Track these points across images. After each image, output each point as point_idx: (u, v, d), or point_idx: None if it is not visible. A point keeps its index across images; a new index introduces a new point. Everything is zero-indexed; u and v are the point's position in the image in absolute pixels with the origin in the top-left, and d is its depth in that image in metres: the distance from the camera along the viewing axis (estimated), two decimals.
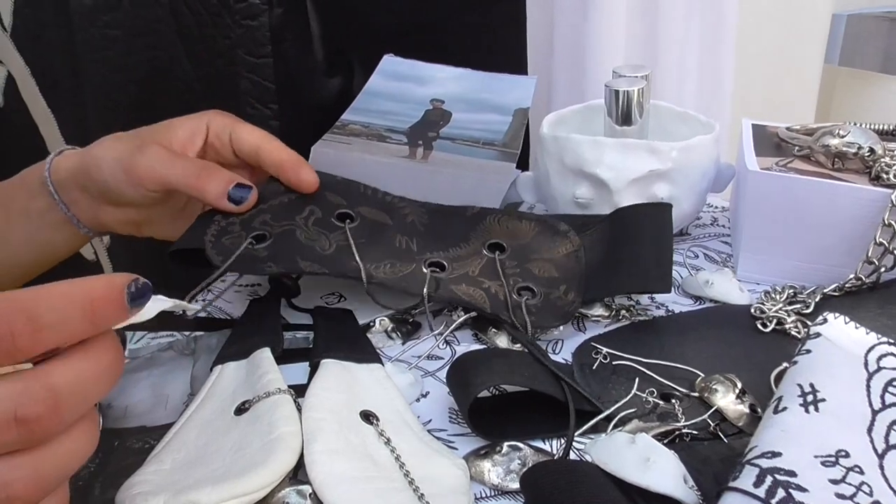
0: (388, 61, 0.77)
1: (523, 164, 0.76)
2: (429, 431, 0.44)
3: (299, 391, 0.42)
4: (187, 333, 0.53)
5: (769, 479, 0.31)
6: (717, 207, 0.75)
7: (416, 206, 0.59)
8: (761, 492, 0.30)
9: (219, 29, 0.75)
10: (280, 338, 0.49)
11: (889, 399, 0.35)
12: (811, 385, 0.36)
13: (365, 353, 0.48)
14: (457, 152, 0.65)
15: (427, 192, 0.64)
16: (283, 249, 0.53)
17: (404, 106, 0.72)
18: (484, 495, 0.40)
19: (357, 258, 0.53)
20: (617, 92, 0.65)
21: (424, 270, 0.54)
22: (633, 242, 0.53)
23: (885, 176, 0.52)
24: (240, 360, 0.46)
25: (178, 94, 0.79)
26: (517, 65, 0.90)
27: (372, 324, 0.54)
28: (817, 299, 0.53)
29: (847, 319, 0.40)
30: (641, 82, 0.65)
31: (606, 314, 0.55)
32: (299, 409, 0.42)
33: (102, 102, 0.80)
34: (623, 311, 0.55)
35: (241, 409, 0.41)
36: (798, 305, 0.53)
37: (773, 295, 0.55)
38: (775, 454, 0.32)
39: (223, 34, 0.75)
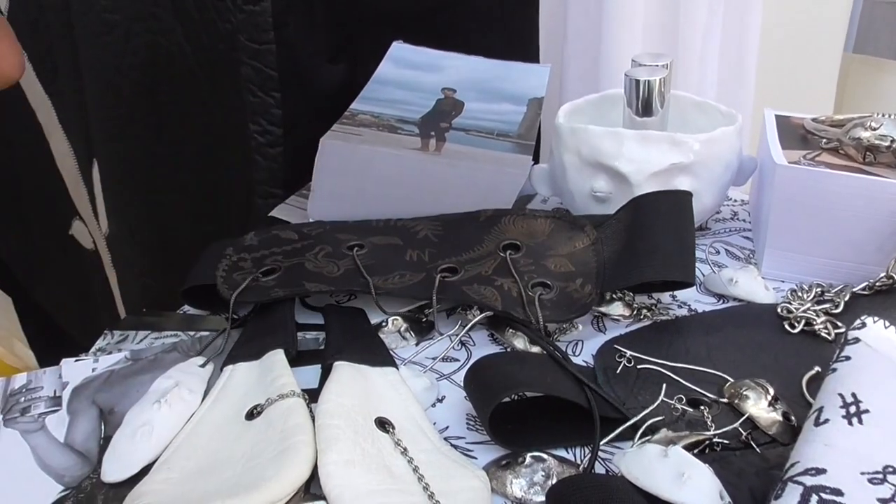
0: (398, 48, 0.75)
1: (535, 155, 0.74)
2: (446, 439, 0.43)
3: (311, 395, 0.41)
4: (192, 333, 0.51)
5: (814, 499, 0.29)
6: (736, 201, 0.73)
7: (429, 221, 0.58)
8: None
9: (220, 13, 0.73)
10: (294, 339, 0.48)
11: None
12: (853, 395, 0.34)
13: (379, 354, 0.47)
14: (471, 144, 0.63)
15: (441, 185, 0.62)
16: (291, 277, 0.53)
17: (415, 95, 0.70)
18: None
19: (365, 275, 0.53)
20: (637, 81, 0.62)
21: (435, 276, 0.52)
22: (653, 231, 0.51)
23: None
24: (252, 361, 0.44)
25: (179, 80, 0.77)
26: (528, 52, 0.87)
27: (384, 323, 0.52)
28: (846, 298, 0.51)
29: (887, 324, 0.38)
30: (663, 71, 0.63)
31: (627, 314, 0.53)
32: (312, 415, 0.40)
33: (102, 88, 0.78)
34: (644, 311, 0.53)
35: (252, 414, 0.39)
36: (827, 305, 0.51)
37: (799, 294, 0.53)
38: (819, 471, 0.31)
39: (224, 18, 0.72)
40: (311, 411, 0.41)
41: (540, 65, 0.79)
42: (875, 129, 0.53)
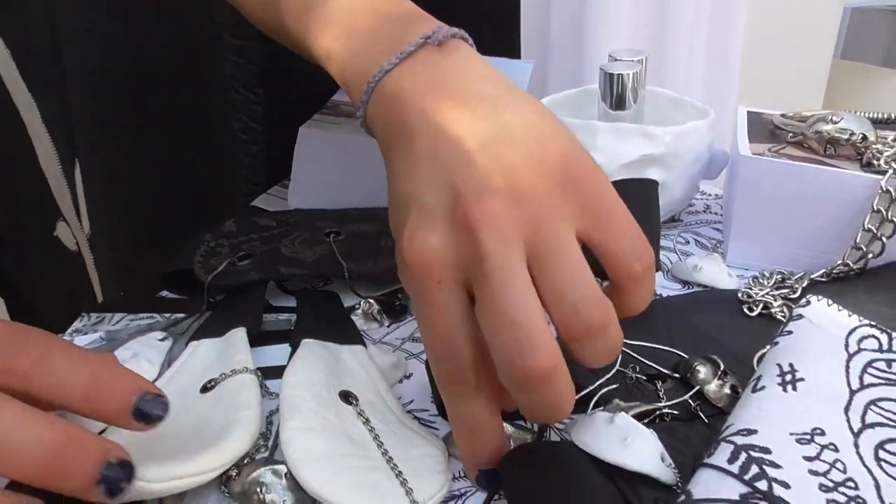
0: None
1: None
2: (410, 412, 0.44)
3: (279, 372, 0.42)
4: (167, 315, 0.52)
5: (743, 456, 0.31)
6: (710, 195, 0.75)
7: None
8: (735, 468, 0.30)
9: (204, 10, 0.74)
10: (259, 319, 0.49)
11: (868, 380, 0.35)
12: (790, 365, 0.36)
13: (347, 334, 0.48)
14: None
15: None
16: (267, 262, 0.54)
17: None
18: (462, 475, 0.40)
19: (340, 260, 0.54)
20: (611, 75, 0.64)
21: None
22: None
23: (875, 162, 0.52)
24: (215, 339, 0.46)
25: (163, 79, 0.78)
26: (510, 48, 0.89)
27: (357, 306, 0.54)
28: (804, 284, 0.53)
29: (830, 302, 0.40)
30: (637, 66, 0.65)
31: None
32: (267, 392, 0.42)
33: (85, 87, 0.79)
34: None
35: (206, 388, 0.41)
36: (785, 290, 0.53)
37: (760, 280, 0.55)
38: (751, 431, 0.32)
39: (208, 16, 0.74)
40: (267, 388, 0.43)
41: (523, 61, 0.81)
42: (836, 123, 0.54)
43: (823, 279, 0.53)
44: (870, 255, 0.51)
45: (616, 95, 0.65)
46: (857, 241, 0.51)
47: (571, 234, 0.33)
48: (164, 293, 0.57)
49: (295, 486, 0.35)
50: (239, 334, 0.45)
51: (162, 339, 0.47)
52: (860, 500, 0.30)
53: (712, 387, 0.43)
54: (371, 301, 0.54)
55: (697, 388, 0.43)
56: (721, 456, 0.31)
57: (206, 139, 0.81)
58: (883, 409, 0.34)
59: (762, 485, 0.29)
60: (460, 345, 0.33)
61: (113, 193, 0.86)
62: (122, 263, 0.89)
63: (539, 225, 0.32)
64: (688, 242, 0.64)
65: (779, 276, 0.55)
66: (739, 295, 0.53)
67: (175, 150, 0.82)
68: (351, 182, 0.64)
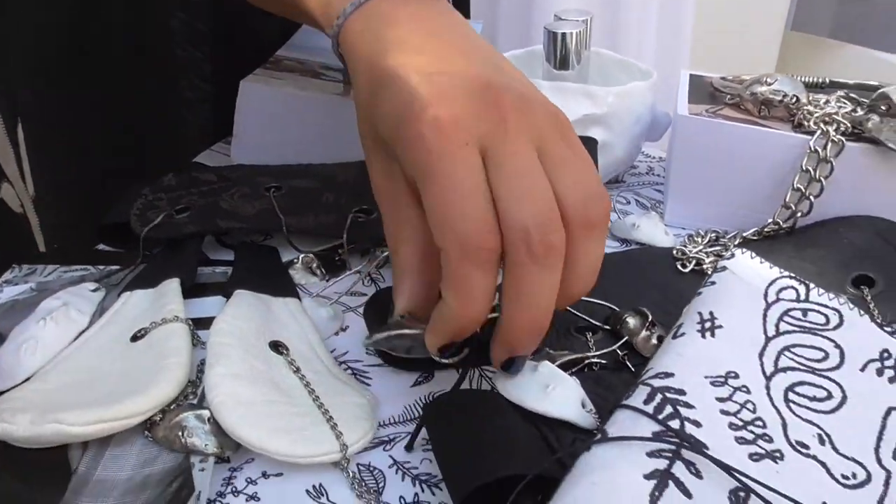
0: None
1: None
2: (345, 363, 0.44)
3: (210, 324, 0.42)
4: (101, 267, 0.52)
5: (659, 397, 0.32)
6: (654, 157, 0.76)
7: (351, 166, 0.60)
8: (650, 408, 0.31)
9: None
10: (193, 270, 0.49)
11: (783, 327, 0.36)
12: (710, 313, 0.37)
13: (282, 286, 0.48)
14: None
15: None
16: (205, 215, 0.54)
17: None
18: (392, 421, 0.40)
19: (279, 214, 0.54)
20: (555, 34, 0.64)
21: (349, 216, 0.54)
22: None
23: (806, 123, 0.53)
24: (147, 289, 0.45)
25: (107, 36, 0.76)
26: (459, 8, 0.88)
27: (295, 260, 0.54)
28: (736, 243, 0.54)
29: (753, 255, 0.41)
30: (581, 26, 0.65)
31: None
32: (199, 342, 0.41)
33: (25, 43, 0.77)
34: None
35: (136, 337, 0.41)
36: (718, 248, 0.54)
37: (695, 238, 0.56)
38: (668, 375, 0.33)
39: None
40: (199, 338, 0.43)
41: (472, 21, 0.81)
42: (770, 85, 0.55)
43: (755, 237, 0.54)
44: (799, 214, 0.53)
45: (560, 55, 0.65)
46: (787, 200, 0.52)
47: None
48: (101, 246, 0.56)
49: (218, 430, 0.35)
50: (172, 285, 0.45)
51: (94, 290, 0.46)
52: (767, 437, 0.31)
53: (640, 337, 0.44)
54: (310, 255, 0.54)
55: (626, 338, 0.44)
56: (638, 398, 0.32)
57: (151, 98, 0.79)
58: (796, 354, 0.35)
59: (675, 423, 0.30)
60: (488, 206, 0.32)
61: (57, 153, 0.84)
62: (67, 224, 0.88)
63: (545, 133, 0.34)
64: (629, 202, 0.65)
65: (713, 235, 0.56)
66: (674, 252, 0.54)
67: (120, 108, 0.80)
68: (294, 137, 0.63)
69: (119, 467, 0.35)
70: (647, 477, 0.28)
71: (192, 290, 0.47)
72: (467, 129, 0.33)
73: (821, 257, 0.49)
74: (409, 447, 0.38)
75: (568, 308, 0.47)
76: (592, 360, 0.42)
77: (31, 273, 0.51)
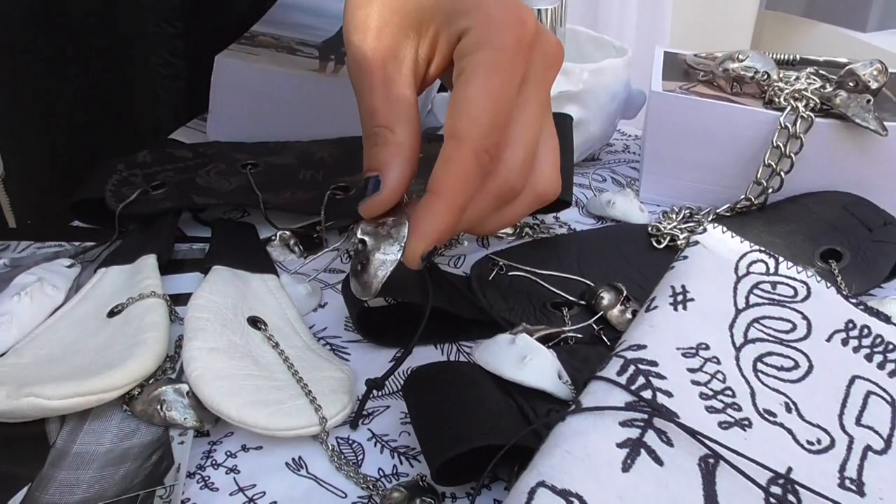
0: None
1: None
2: (323, 338, 0.45)
3: (188, 300, 0.42)
4: (76, 244, 0.51)
5: (631, 368, 0.32)
6: (630, 136, 0.77)
7: (327, 143, 0.60)
8: (623, 379, 0.32)
9: None
10: (170, 246, 0.49)
11: (753, 300, 0.37)
12: (682, 286, 0.37)
13: (260, 263, 0.48)
14: None
15: (338, 108, 0.63)
16: (181, 191, 0.54)
17: (320, 20, 0.70)
18: (371, 395, 0.40)
19: (256, 190, 0.54)
20: None
21: (326, 193, 0.54)
22: None
23: (777, 99, 0.53)
24: (124, 265, 0.45)
25: (75, 9, 0.74)
26: None
27: (273, 237, 0.54)
28: (710, 219, 0.55)
29: (724, 229, 0.41)
30: (556, 2, 0.65)
31: (510, 231, 0.56)
32: (177, 317, 0.41)
33: None
34: (527, 229, 0.56)
35: (113, 312, 0.41)
36: (692, 224, 0.55)
37: (670, 215, 0.56)
38: (640, 347, 0.34)
39: None
40: (177, 314, 0.43)
41: None
42: (742, 62, 0.56)
43: (728, 213, 0.55)
44: (770, 190, 0.53)
45: None
46: (759, 176, 0.53)
47: None
48: (76, 223, 0.56)
49: (197, 404, 0.35)
50: (148, 261, 0.45)
51: (69, 266, 0.46)
52: (736, 406, 0.32)
53: (615, 312, 0.44)
54: (288, 232, 0.54)
55: (601, 313, 0.44)
56: (611, 369, 0.33)
57: (123, 75, 0.78)
58: (765, 326, 0.36)
59: (647, 393, 0.31)
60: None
61: (28, 131, 0.83)
62: (39, 203, 0.86)
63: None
64: (604, 180, 0.66)
65: (687, 212, 0.57)
66: (649, 229, 0.55)
67: (92, 85, 0.79)
68: (270, 114, 0.63)
69: (98, 441, 0.35)
70: (620, 445, 0.29)
71: (168, 267, 0.47)
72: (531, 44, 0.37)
73: (790, 232, 0.50)
74: (354, 425, 0.38)
75: (544, 284, 0.48)
76: (568, 334, 0.43)
77: (5, 249, 0.51)
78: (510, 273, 0.49)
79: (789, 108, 0.51)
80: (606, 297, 0.45)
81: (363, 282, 0.38)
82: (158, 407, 0.35)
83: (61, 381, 0.34)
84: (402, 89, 0.39)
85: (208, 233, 0.54)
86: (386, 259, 0.38)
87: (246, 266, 0.46)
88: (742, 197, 0.55)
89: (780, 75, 0.55)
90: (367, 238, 0.39)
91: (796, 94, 0.52)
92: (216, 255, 0.46)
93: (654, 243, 0.53)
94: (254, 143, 0.61)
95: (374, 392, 0.40)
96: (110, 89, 0.79)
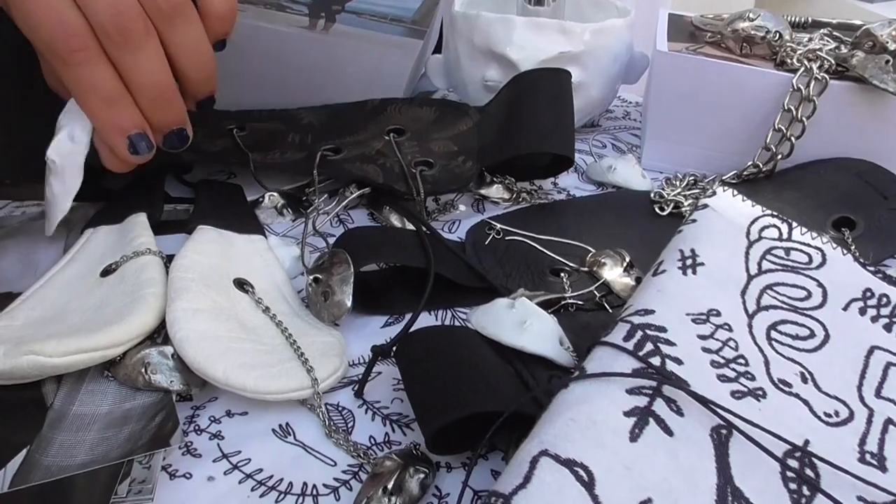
0: None
1: (437, 49, 0.73)
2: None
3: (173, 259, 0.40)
4: None
5: (639, 334, 0.31)
6: (630, 102, 0.74)
7: (315, 109, 0.58)
8: (630, 345, 0.30)
9: None
10: (159, 205, 0.47)
11: (766, 266, 0.35)
12: (692, 250, 0.35)
13: (246, 224, 0.46)
14: (361, 27, 0.62)
15: (327, 67, 0.61)
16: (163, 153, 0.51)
17: None
18: (362, 361, 0.39)
19: (244, 149, 0.52)
20: None
21: (316, 154, 0.52)
22: (532, 107, 0.51)
23: (789, 61, 0.51)
24: (113, 225, 0.43)
25: None
26: None
27: (261, 199, 0.52)
28: (715, 186, 0.53)
29: (735, 192, 0.40)
30: None
31: (507, 196, 0.54)
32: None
33: None
34: (524, 195, 0.54)
35: (107, 271, 0.39)
36: (696, 191, 0.53)
37: (673, 182, 0.54)
38: (648, 311, 0.32)
39: None
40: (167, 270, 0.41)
41: None
42: (752, 21, 0.54)
43: (734, 181, 0.53)
44: (779, 157, 0.51)
45: None
46: (768, 141, 0.51)
47: None
48: None
49: (183, 367, 0.34)
50: (139, 219, 0.42)
51: None
52: (749, 375, 0.30)
53: (617, 279, 0.43)
54: (275, 195, 0.52)
55: (603, 279, 0.42)
56: (617, 334, 0.31)
57: None
58: (778, 293, 0.34)
59: (655, 360, 0.29)
60: (70, 11, 0.35)
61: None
62: (12, 165, 0.84)
63: None
64: (605, 146, 0.63)
65: (691, 179, 0.55)
66: (652, 195, 0.53)
67: None
68: (256, 72, 0.60)
69: (97, 402, 0.33)
70: (627, 414, 0.27)
71: (153, 228, 0.45)
72: None
73: (800, 199, 0.48)
74: (358, 392, 0.36)
75: (542, 249, 0.46)
76: (569, 301, 0.41)
77: None
78: (507, 238, 0.47)
79: (802, 69, 0.49)
80: (608, 263, 0.43)
81: (337, 302, 0.39)
82: (143, 370, 0.33)
83: (62, 337, 0.32)
84: None
85: (193, 193, 0.52)
86: (344, 276, 0.39)
87: (232, 226, 0.44)
88: (749, 163, 0.53)
89: (793, 36, 0.53)
90: (317, 275, 0.41)
91: (810, 55, 0.50)
92: (201, 215, 0.44)
93: (658, 210, 0.51)
94: (238, 111, 0.58)
95: (364, 359, 0.39)
96: None
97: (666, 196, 0.52)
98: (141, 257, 0.39)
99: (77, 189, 0.41)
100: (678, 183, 0.54)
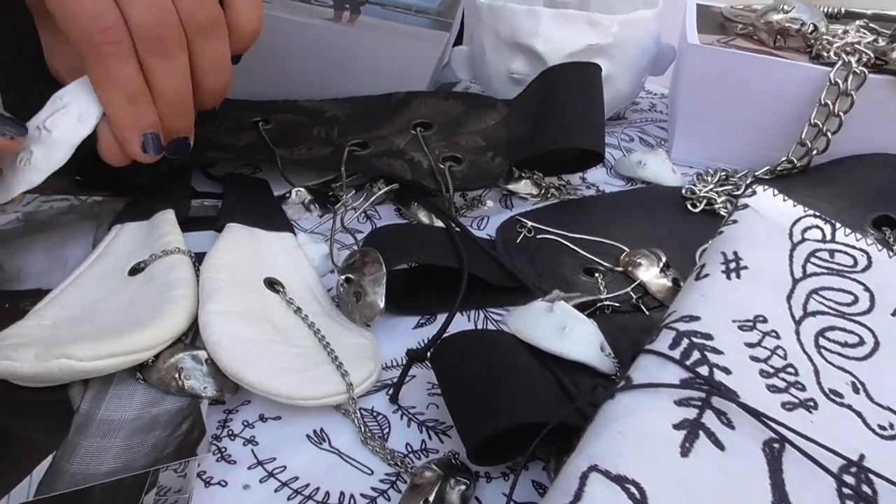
0: None
1: (458, 41, 0.72)
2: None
3: (203, 259, 0.39)
4: (83, 197, 0.49)
5: (685, 342, 0.30)
6: (656, 94, 0.73)
7: (339, 102, 0.57)
8: (676, 353, 0.29)
9: None
10: (187, 202, 0.46)
11: (810, 269, 0.34)
12: (735, 253, 0.35)
13: (275, 220, 0.45)
14: (386, 18, 0.61)
15: (352, 59, 0.60)
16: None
17: None
18: (394, 364, 0.38)
19: (271, 145, 0.51)
20: None
21: (344, 149, 0.51)
22: (561, 101, 0.50)
23: (825, 54, 0.50)
24: (141, 221, 0.43)
25: None
26: None
27: (288, 195, 0.51)
28: (748, 182, 0.52)
29: (776, 192, 0.39)
30: None
31: (535, 192, 0.53)
32: (199, 273, 0.39)
33: None
34: (552, 190, 0.53)
35: (135, 270, 0.38)
36: (729, 187, 0.52)
37: (704, 177, 0.54)
38: (693, 318, 0.31)
39: None
40: (196, 269, 0.40)
41: None
42: (787, 13, 0.53)
43: (767, 176, 0.52)
44: (814, 152, 0.50)
45: None
46: (803, 136, 0.50)
47: None
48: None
49: (216, 372, 0.33)
50: (167, 216, 0.42)
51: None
52: (800, 386, 0.29)
53: (654, 279, 0.42)
54: (302, 190, 0.51)
55: (639, 280, 0.42)
56: (663, 342, 0.30)
57: None
58: (824, 297, 0.33)
59: (703, 370, 0.29)
60: (109, 5, 0.35)
61: (23, 86, 0.80)
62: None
63: None
64: (632, 140, 0.62)
65: (723, 174, 0.54)
66: (683, 191, 0.52)
67: None
68: (280, 65, 0.59)
69: (124, 407, 0.33)
70: (677, 427, 0.27)
71: (180, 224, 0.44)
72: None
73: (837, 196, 0.47)
74: (393, 398, 0.36)
75: (575, 248, 0.45)
76: (605, 302, 0.40)
77: (9, 202, 0.48)
78: (538, 236, 0.46)
79: (840, 62, 0.48)
80: (644, 263, 0.42)
81: (369, 303, 0.39)
82: (176, 375, 0.33)
83: (93, 339, 0.31)
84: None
85: (219, 188, 0.51)
86: (376, 277, 0.39)
87: (261, 224, 0.44)
88: (783, 159, 0.52)
89: (828, 28, 0.51)
90: (348, 275, 0.40)
91: (848, 48, 0.48)
92: (230, 212, 0.44)
93: (690, 207, 0.51)
94: (261, 101, 0.58)
95: (397, 361, 0.38)
96: None
97: (698, 192, 0.51)
98: (169, 256, 0.38)
99: (57, 168, 0.39)
100: (709, 179, 0.53)
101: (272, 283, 0.39)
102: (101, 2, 0.35)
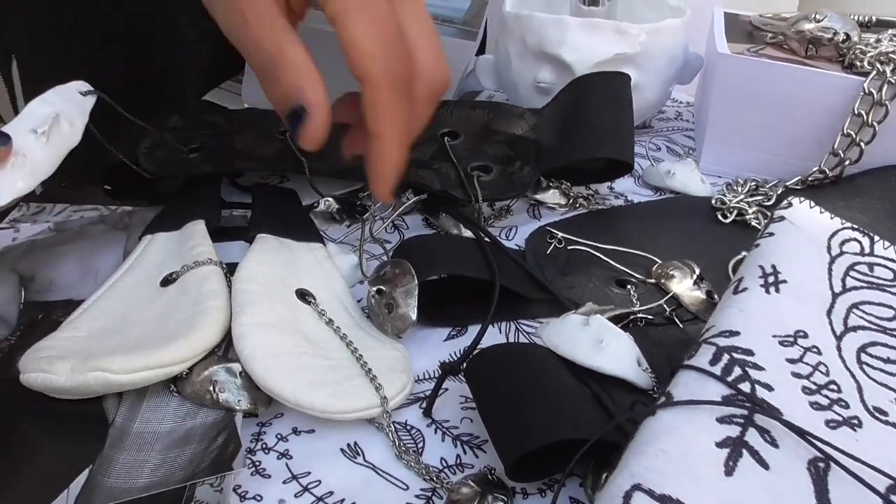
0: None
1: (482, 49, 0.72)
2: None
3: (234, 269, 0.39)
4: (113, 207, 0.49)
5: (726, 357, 0.29)
6: (682, 102, 0.73)
7: None
8: (717, 369, 0.29)
9: None
10: (217, 212, 0.46)
11: (850, 283, 0.34)
12: (773, 266, 0.34)
13: (305, 230, 0.45)
14: None
15: None
16: (220, 154, 0.51)
17: None
18: (427, 376, 0.38)
19: (299, 155, 0.51)
20: None
21: None
22: (590, 111, 0.50)
23: (858, 64, 0.50)
24: (171, 232, 0.43)
25: None
26: None
27: (316, 204, 0.51)
28: (779, 192, 0.52)
29: (812, 204, 0.38)
30: None
31: (563, 202, 0.53)
32: (230, 285, 0.39)
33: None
34: (581, 200, 0.53)
35: (167, 281, 0.38)
36: (760, 198, 0.51)
37: (734, 187, 0.53)
38: (733, 333, 0.31)
39: None
40: (228, 280, 0.40)
41: None
42: (819, 22, 0.52)
43: (798, 186, 0.52)
44: (847, 162, 0.50)
45: None
46: (836, 146, 0.50)
47: None
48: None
49: (250, 385, 0.33)
50: (198, 226, 0.42)
51: (85, 94, 0.42)
52: (843, 403, 0.29)
53: (687, 292, 0.41)
54: (330, 200, 0.51)
55: (672, 293, 0.41)
56: (703, 357, 0.30)
57: (148, 37, 0.75)
58: (865, 312, 0.33)
59: (745, 386, 0.28)
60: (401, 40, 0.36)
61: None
62: (62, 167, 0.84)
63: None
64: (659, 149, 0.62)
65: (753, 184, 0.53)
66: (713, 202, 0.51)
67: (118, 47, 0.76)
68: None
69: (158, 420, 0.33)
70: (720, 445, 0.26)
71: (211, 235, 0.44)
72: None
73: (871, 208, 0.47)
74: (427, 412, 0.35)
75: (607, 260, 0.45)
76: (638, 315, 0.40)
77: (40, 212, 0.49)
78: (568, 247, 0.46)
79: (874, 72, 0.47)
80: (677, 276, 0.42)
81: (401, 315, 0.39)
82: (210, 388, 0.33)
83: (127, 352, 0.31)
84: (278, 18, 0.38)
85: (247, 198, 0.51)
86: (408, 289, 0.39)
87: (291, 234, 0.44)
88: (815, 169, 0.51)
89: (860, 37, 0.51)
90: (380, 286, 0.40)
91: (882, 58, 0.48)
92: (260, 223, 0.44)
93: (720, 217, 0.50)
94: None
95: (429, 374, 0.38)
96: (136, 51, 0.76)
97: (728, 203, 0.51)
98: (201, 267, 0.38)
99: (48, 176, 0.38)
100: (740, 189, 0.53)
101: (303, 294, 0.39)
102: (399, 40, 0.36)
